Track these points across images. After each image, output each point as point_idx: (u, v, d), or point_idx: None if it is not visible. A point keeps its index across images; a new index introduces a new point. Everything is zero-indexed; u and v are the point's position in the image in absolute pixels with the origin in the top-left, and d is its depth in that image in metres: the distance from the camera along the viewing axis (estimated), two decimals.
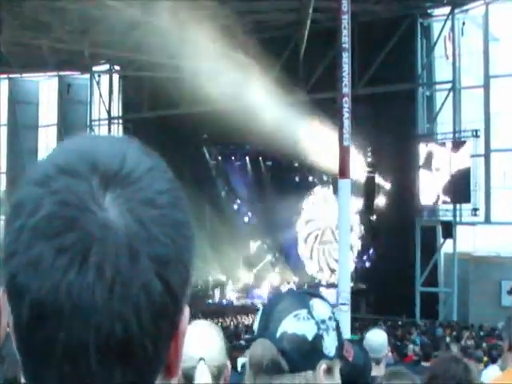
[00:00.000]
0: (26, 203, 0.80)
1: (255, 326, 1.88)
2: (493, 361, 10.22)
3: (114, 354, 0.78)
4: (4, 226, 0.82)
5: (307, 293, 1.94)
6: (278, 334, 1.82)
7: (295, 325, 1.83)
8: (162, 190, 0.83)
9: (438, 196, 25.95)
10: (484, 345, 13.88)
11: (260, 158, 33.70)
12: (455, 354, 5.24)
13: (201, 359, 2.66)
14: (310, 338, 1.84)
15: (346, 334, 12.70)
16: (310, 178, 32.98)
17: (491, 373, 8.96)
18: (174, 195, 0.84)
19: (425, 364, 8.88)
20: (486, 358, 11.43)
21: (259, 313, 1.90)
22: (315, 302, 1.89)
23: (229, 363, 2.94)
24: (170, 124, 31.52)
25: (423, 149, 26.42)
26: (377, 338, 6.34)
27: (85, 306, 0.76)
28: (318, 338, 1.84)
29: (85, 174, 0.80)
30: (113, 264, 0.77)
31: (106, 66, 34.70)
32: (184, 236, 0.83)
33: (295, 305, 1.86)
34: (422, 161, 26.33)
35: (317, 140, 30.09)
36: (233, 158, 34.44)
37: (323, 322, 1.86)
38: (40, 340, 0.78)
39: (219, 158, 34.58)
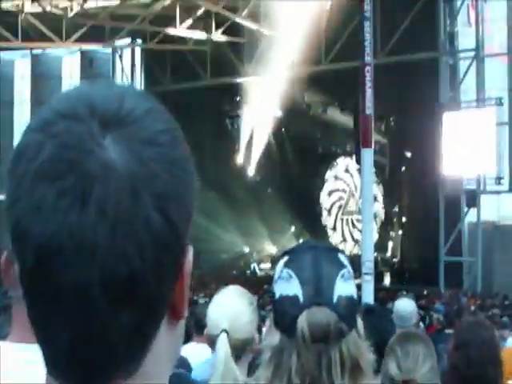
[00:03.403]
0: (26, 149, 0.82)
1: (296, 292, 1.82)
2: None
3: (120, 292, 0.79)
4: (7, 175, 0.83)
5: (325, 248, 1.93)
6: (334, 300, 1.79)
7: (344, 286, 1.81)
8: (161, 129, 0.85)
9: (462, 165, 25.79)
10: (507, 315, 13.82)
11: (283, 129, 33.63)
12: (480, 319, 5.22)
13: (223, 331, 2.65)
14: (355, 296, 1.85)
15: (370, 303, 12.74)
16: (333, 149, 32.90)
17: None
18: (172, 135, 0.86)
19: (448, 331, 8.87)
20: None
21: (294, 278, 1.83)
22: (341, 256, 1.89)
23: (257, 335, 2.95)
24: (193, 97, 31.54)
25: (446, 117, 26.25)
26: (405, 307, 6.37)
27: (88, 245, 0.78)
28: (357, 292, 1.86)
29: (84, 116, 0.81)
30: (114, 202, 0.78)
31: (128, 40, 34.64)
32: (183, 174, 0.86)
33: (335, 264, 1.85)
34: (445, 129, 26.15)
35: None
36: (254, 128, 34.35)
37: (352, 274, 1.88)
38: (46, 284, 0.79)
39: (242, 128, 34.47)
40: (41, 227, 0.78)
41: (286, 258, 1.90)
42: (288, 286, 1.84)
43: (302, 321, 1.78)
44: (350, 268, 1.86)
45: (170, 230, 0.82)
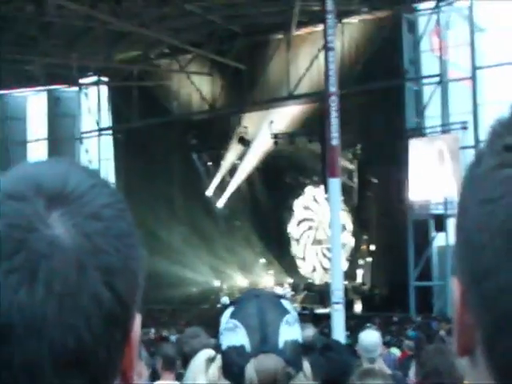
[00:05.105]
0: None
1: (242, 342, 1.88)
2: None
3: (69, 364, 0.81)
4: None
5: (268, 296, 2.00)
6: (280, 345, 1.85)
7: (289, 331, 1.88)
8: (105, 203, 0.87)
9: (429, 189, 25.95)
10: None
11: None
12: (441, 346, 5.28)
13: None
14: (300, 339, 1.92)
15: (341, 332, 12.74)
16: (301, 178, 32.94)
17: None
18: (117, 208, 0.88)
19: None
20: None
21: (240, 328, 1.89)
22: (284, 302, 1.95)
23: None
24: (161, 132, 31.61)
25: (413, 143, 26.47)
26: (370, 338, 6.46)
27: (37, 321, 0.79)
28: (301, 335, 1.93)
29: (30, 196, 0.84)
30: (61, 278, 0.80)
31: (94, 78, 34.64)
32: (129, 245, 0.87)
33: (279, 310, 1.91)
34: (411, 155, 26.34)
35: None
36: (222, 161, 34.31)
37: (297, 319, 1.94)
38: None
39: (209, 163, 34.41)
40: None
41: (231, 309, 1.97)
42: (235, 336, 1.90)
43: (250, 369, 1.84)
44: (293, 312, 1.93)
45: (117, 303, 0.84)
